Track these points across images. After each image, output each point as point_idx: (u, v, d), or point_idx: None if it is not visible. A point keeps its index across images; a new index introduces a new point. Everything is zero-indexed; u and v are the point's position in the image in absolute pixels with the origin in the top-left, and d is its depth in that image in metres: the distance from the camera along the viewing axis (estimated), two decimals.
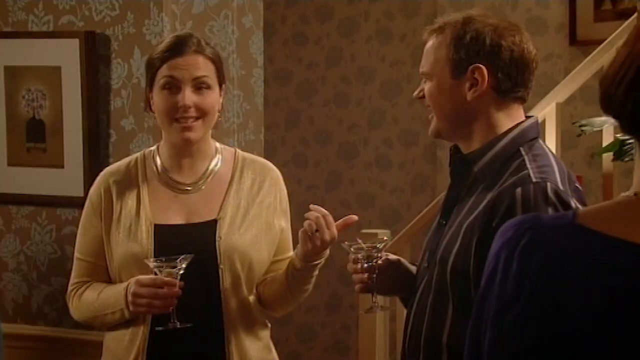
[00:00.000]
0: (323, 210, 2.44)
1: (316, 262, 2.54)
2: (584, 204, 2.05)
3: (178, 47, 2.52)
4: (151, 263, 2.42)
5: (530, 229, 1.36)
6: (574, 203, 2.01)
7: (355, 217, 2.49)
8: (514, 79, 2.13)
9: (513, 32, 2.14)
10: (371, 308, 2.38)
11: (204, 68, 2.53)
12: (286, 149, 5.70)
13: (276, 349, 2.68)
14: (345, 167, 5.61)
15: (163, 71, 2.52)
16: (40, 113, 3.45)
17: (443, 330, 2.10)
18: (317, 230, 2.43)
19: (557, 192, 2.01)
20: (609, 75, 1.36)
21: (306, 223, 2.44)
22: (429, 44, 2.20)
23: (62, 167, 3.43)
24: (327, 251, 2.52)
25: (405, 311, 2.31)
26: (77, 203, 3.30)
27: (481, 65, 2.12)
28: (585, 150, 4.79)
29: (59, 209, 3.46)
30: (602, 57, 3.74)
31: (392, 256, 2.37)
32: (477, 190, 2.12)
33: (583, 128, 3.39)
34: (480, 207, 2.07)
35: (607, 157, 3.54)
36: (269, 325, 2.67)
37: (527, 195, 2.01)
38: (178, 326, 2.41)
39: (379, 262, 2.29)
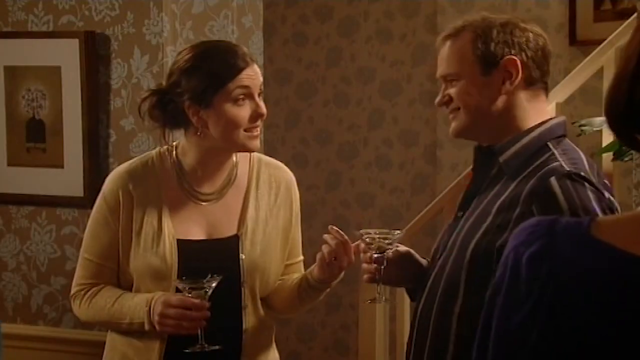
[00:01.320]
0: (343, 235, 2.41)
1: (332, 282, 2.54)
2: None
3: (242, 58, 2.46)
4: (180, 284, 2.38)
5: (543, 235, 1.33)
6: (607, 194, 2.04)
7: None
8: (541, 67, 2.17)
9: (530, 24, 2.19)
10: (374, 299, 2.37)
11: (261, 75, 2.51)
12: (286, 149, 5.69)
13: (276, 348, 2.68)
14: (345, 167, 5.61)
15: (236, 83, 2.43)
16: (40, 113, 3.45)
17: (451, 319, 2.11)
18: (335, 258, 2.41)
19: (590, 182, 2.03)
20: (615, 80, 1.33)
21: (325, 250, 2.41)
22: (446, 47, 2.19)
23: (62, 167, 3.42)
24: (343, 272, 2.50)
25: (408, 303, 2.30)
26: (77, 203, 3.31)
27: (514, 57, 2.13)
28: (585, 150, 4.73)
29: (59, 209, 3.45)
30: (601, 57, 3.74)
31: (402, 248, 2.37)
32: (500, 181, 2.13)
33: (583, 128, 3.38)
34: (507, 192, 2.08)
35: (607, 157, 3.53)
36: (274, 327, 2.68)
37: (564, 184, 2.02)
38: (207, 349, 2.37)
39: (389, 253, 2.29)
